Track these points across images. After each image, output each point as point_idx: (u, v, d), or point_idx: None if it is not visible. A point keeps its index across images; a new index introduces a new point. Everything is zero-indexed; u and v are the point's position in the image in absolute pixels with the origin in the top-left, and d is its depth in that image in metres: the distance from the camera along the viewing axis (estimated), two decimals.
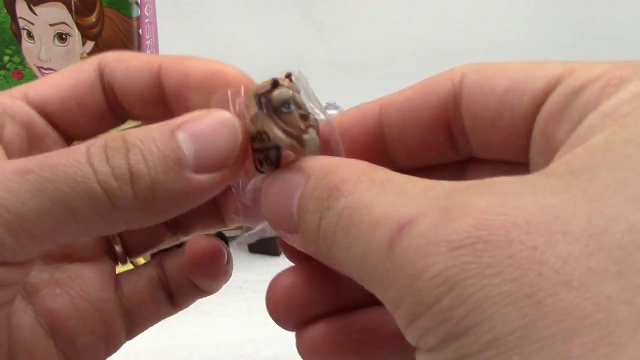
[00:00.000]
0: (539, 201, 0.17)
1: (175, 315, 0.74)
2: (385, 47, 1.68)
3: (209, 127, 0.24)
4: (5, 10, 0.74)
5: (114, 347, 0.31)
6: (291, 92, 0.25)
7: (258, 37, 1.72)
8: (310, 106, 0.26)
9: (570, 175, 0.17)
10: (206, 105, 0.26)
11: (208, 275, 0.31)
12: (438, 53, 1.66)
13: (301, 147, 0.25)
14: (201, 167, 0.23)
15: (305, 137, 0.25)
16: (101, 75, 0.29)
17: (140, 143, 0.23)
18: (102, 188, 0.22)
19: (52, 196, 0.22)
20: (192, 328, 0.69)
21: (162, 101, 0.29)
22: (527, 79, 0.22)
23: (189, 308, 0.73)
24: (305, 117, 0.25)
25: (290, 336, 0.68)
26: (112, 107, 0.30)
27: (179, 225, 0.33)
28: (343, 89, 1.44)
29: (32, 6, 0.73)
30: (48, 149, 0.28)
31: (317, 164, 0.23)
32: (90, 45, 0.74)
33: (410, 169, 0.27)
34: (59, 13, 0.73)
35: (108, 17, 0.73)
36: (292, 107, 0.25)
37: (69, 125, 0.29)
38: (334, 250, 0.21)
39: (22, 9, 0.74)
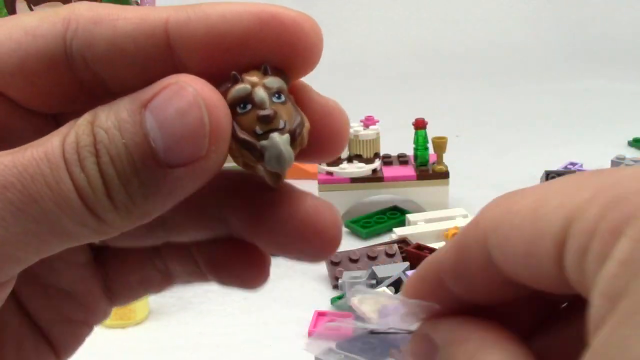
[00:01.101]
0: None
1: (175, 315, 0.74)
2: (385, 47, 1.69)
3: (175, 109, 0.19)
4: (6, 10, 0.74)
5: (98, 322, 0.27)
6: (249, 87, 0.20)
7: None
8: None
9: None
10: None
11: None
12: (438, 53, 1.66)
13: (254, 159, 0.20)
14: (173, 161, 0.19)
15: (263, 143, 0.20)
16: (69, 47, 0.21)
17: (106, 137, 0.19)
18: (82, 201, 0.19)
19: (37, 216, 0.19)
20: (192, 328, 0.69)
21: (169, 73, 0.21)
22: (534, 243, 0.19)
23: (189, 308, 0.73)
24: (267, 118, 0.20)
25: (290, 336, 0.68)
26: (84, 85, 0.22)
27: (167, 265, 0.27)
28: (343, 88, 1.45)
29: (32, 6, 0.73)
30: (1, 121, 0.23)
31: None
32: None
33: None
34: None
35: None
36: (249, 105, 0.20)
37: (22, 101, 0.23)
38: None
39: (22, 9, 0.74)
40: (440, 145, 0.83)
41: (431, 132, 0.84)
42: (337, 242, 0.23)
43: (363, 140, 0.84)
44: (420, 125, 0.84)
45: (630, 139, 1.09)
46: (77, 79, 0.22)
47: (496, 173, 0.96)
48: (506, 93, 1.39)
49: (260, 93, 0.20)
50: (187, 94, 0.19)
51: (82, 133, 0.20)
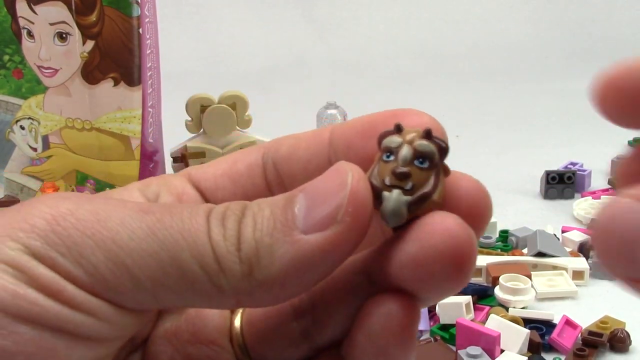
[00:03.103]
0: None
1: None
2: (385, 47, 1.69)
3: (323, 179, 0.21)
4: (5, 9, 0.74)
5: None
6: (401, 140, 0.21)
7: (258, 37, 1.72)
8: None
9: None
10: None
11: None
12: (438, 53, 1.66)
13: (376, 202, 0.21)
14: (309, 226, 0.20)
15: (384, 194, 0.21)
16: (265, 154, 0.26)
17: (257, 207, 0.21)
18: (211, 246, 0.21)
19: (163, 241, 0.21)
20: None
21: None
22: None
23: None
24: (398, 175, 0.21)
25: None
26: (271, 188, 0.26)
27: (312, 325, 0.25)
28: (343, 89, 1.45)
29: (32, 5, 0.73)
30: None
31: None
32: (90, 44, 0.74)
33: None
34: (59, 12, 0.73)
35: (108, 16, 0.73)
36: (392, 157, 0.21)
37: (219, 200, 0.26)
38: None
39: (22, 8, 0.74)
40: None
41: None
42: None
43: None
44: None
45: (631, 139, 1.09)
46: (267, 181, 0.26)
47: (496, 173, 0.96)
48: (506, 93, 1.39)
49: (405, 151, 0.21)
50: (339, 165, 0.21)
51: (234, 204, 0.22)
